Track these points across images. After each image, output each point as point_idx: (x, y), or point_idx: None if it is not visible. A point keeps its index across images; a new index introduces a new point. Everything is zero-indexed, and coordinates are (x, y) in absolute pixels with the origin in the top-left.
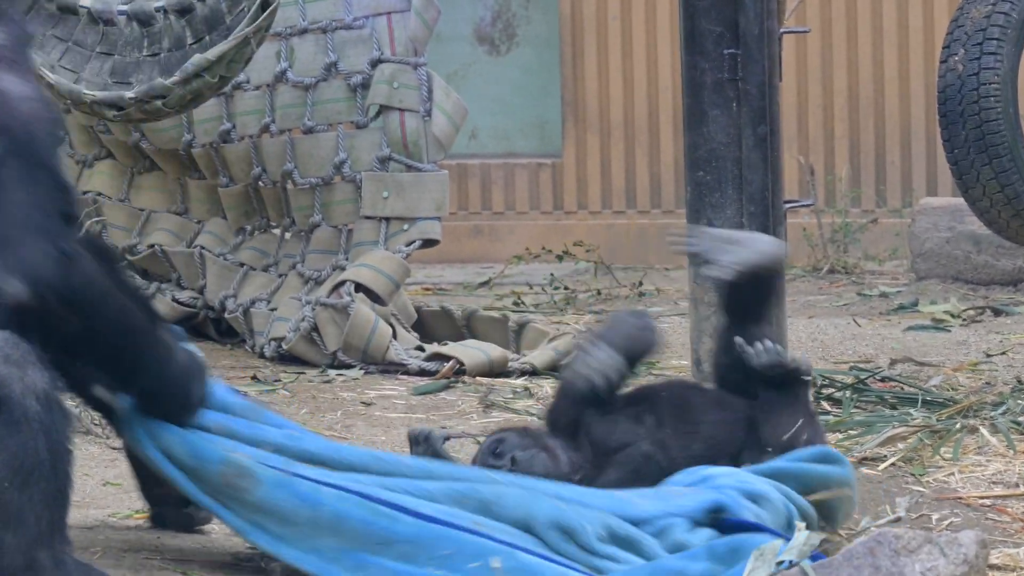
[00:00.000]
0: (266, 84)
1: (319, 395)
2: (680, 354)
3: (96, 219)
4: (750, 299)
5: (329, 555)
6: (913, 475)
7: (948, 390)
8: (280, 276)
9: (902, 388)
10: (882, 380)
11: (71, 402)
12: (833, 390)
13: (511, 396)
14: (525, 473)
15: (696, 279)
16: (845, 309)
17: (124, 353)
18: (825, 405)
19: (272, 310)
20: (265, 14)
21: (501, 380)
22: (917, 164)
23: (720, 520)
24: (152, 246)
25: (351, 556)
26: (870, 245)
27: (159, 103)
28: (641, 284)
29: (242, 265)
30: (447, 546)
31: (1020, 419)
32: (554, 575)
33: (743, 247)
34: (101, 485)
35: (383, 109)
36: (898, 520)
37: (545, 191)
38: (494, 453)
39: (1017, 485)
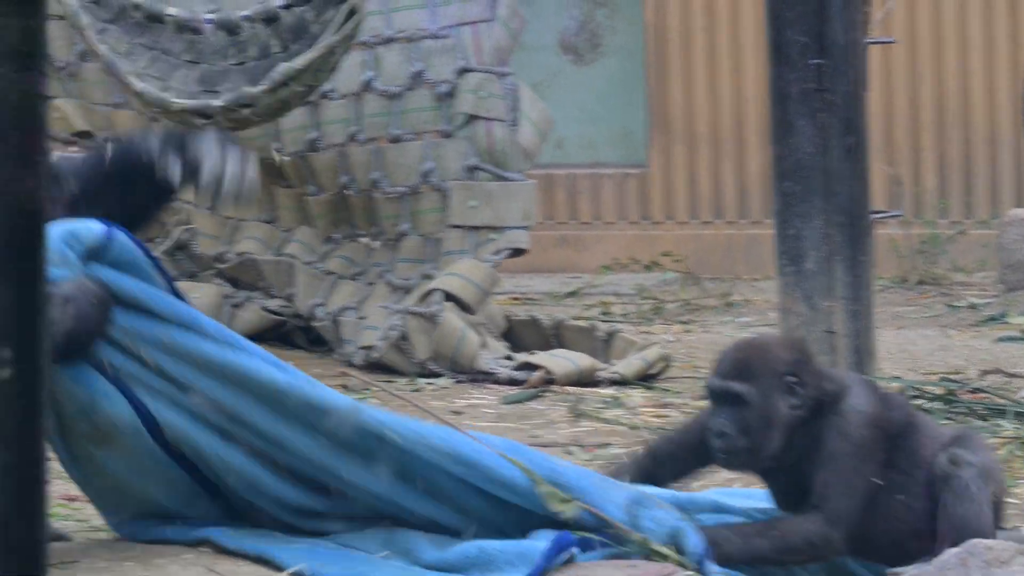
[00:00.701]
0: (352, 93)
1: (408, 404)
2: None
3: (185, 227)
4: None
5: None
6: None
7: None
8: (369, 285)
9: (992, 399)
10: (972, 391)
11: None
12: (923, 401)
13: (600, 406)
14: None
15: (785, 289)
16: (934, 320)
17: None
18: None
19: (361, 319)
20: (351, 23)
21: (590, 389)
22: (1005, 175)
23: None
24: (241, 255)
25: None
26: (958, 256)
27: (247, 111)
28: (729, 294)
29: (331, 274)
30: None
31: None
32: None
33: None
34: None
35: (469, 118)
36: None
37: (632, 201)
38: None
39: None
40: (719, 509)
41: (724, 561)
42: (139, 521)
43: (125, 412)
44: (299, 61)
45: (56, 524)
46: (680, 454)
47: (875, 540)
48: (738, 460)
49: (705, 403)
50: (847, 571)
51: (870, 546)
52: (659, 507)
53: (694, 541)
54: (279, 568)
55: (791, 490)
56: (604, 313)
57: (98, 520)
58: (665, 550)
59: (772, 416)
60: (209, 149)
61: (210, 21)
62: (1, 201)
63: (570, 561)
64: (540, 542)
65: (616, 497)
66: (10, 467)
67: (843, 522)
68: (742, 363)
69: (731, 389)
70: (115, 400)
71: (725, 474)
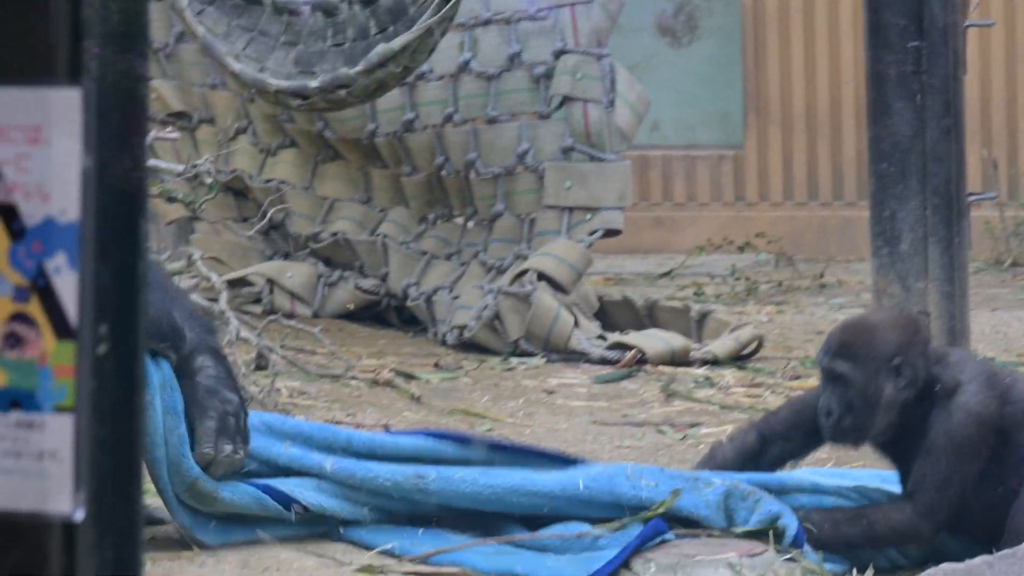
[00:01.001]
0: (449, 74)
1: (501, 382)
2: None
3: (280, 207)
4: None
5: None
6: None
7: None
8: (462, 265)
9: None
10: None
11: None
12: None
13: (693, 386)
14: None
15: (879, 270)
16: None
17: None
18: None
19: (454, 298)
20: (449, 5)
21: (683, 369)
22: None
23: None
24: (335, 234)
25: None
26: None
27: (343, 92)
28: (823, 275)
29: (424, 253)
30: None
31: None
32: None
33: None
34: None
35: (566, 100)
36: None
37: (726, 182)
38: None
39: None
40: (814, 490)
41: (815, 545)
42: (221, 526)
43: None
44: (397, 42)
45: (150, 503)
46: (790, 433)
47: (974, 527)
48: (845, 438)
49: (799, 383)
50: (943, 553)
51: (966, 530)
52: (751, 495)
53: (791, 525)
54: (370, 547)
55: (904, 467)
56: (697, 294)
57: None
58: (762, 532)
59: (877, 397)
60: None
61: (308, 3)
62: (100, 182)
63: (663, 543)
64: (635, 528)
65: (709, 496)
66: (107, 443)
67: (934, 516)
68: (849, 342)
69: (836, 369)
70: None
71: (825, 453)
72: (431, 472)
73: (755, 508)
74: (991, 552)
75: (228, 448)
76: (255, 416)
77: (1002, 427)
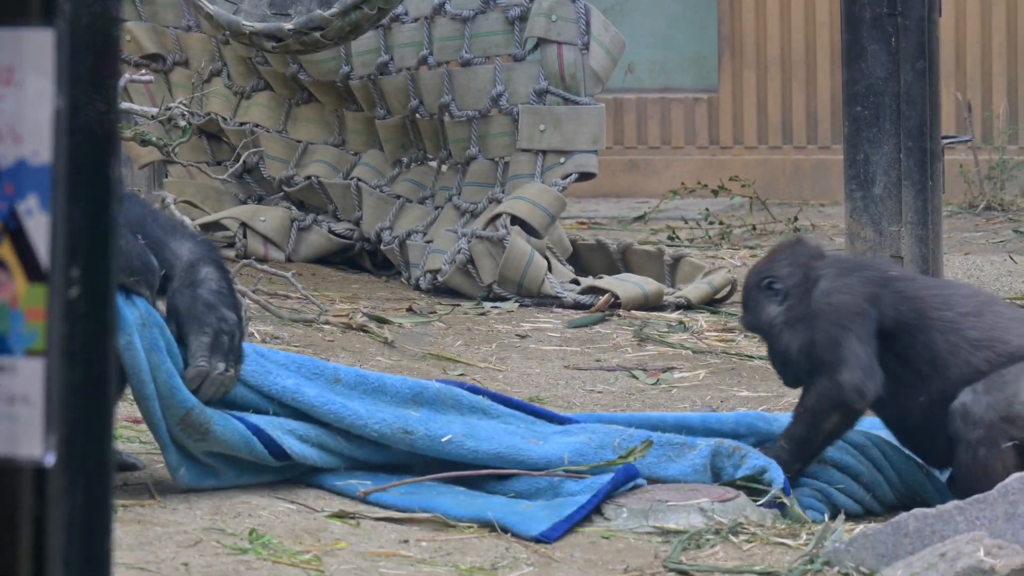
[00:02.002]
0: (424, 16)
1: (474, 327)
2: None
3: (253, 151)
4: None
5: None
6: None
7: None
8: (436, 208)
9: None
10: None
11: None
12: None
13: (666, 330)
14: None
15: (852, 214)
16: (1001, 246)
17: None
18: None
19: (428, 242)
20: None
21: (656, 314)
22: None
23: None
24: (309, 178)
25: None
26: None
27: (317, 35)
28: (796, 219)
29: (398, 197)
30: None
31: None
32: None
33: None
34: None
35: (541, 42)
36: None
37: (701, 126)
38: None
39: None
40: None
41: (790, 472)
42: (201, 469)
43: (237, 431)
44: None
45: (123, 448)
46: None
47: (918, 441)
48: (795, 381)
49: None
50: (921, 481)
51: (918, 446)
52: (736, 452)
53: (777, 478)
54: (341, 493)
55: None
56: (671, 238)
57: None
58: (754, 484)
59: (772, 325)
60: (200, 346)
61: None
62: (73, 123)
63: (635, 489)
64: (607, 475)
65: (696, 460)
66: (78, 387)
67: (842, 367)
68: (742, 297)
69: (745, 327)
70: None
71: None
72: (419, 428)
73: (741, 463)
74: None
75: (221, 366)
76: (247, 346)
77: (885, 313)
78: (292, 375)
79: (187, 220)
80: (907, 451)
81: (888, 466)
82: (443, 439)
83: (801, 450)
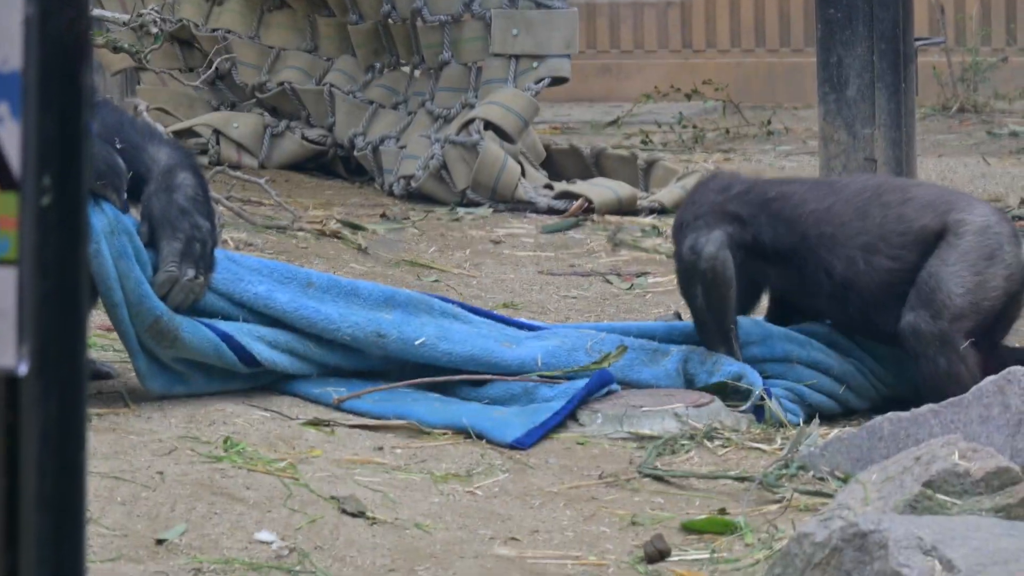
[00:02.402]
0: None
1: (448, 233)
2: None
3: (226, 57)
4: None
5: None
6: None
7: None
8: (409, 114)
9: None
10: (1013, 219)
11: None
12: None
13: (639, 235)
14: None
15: (826, 117)
16: (974, 148)
17: None
18: None
19: (401, 148)
20: None
21: (630, 218)
22: None
23: None
24: (282, 84)
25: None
26: (1000, 84)
27: None
28: (770, 123)
29: (371, 103)
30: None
31: None
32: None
33: None
34: None
35: None
36: None
37: (674, 30)
38: None
39: None
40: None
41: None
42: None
43: (206, 338)
44: None
45: (96, 356)
46: None
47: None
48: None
49: None
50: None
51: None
52: (709, 359)
53: (756, 382)
54: (315, 400)
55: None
56: (644, 142)
57: None
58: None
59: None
60: (172, 250)
61: None
62: (42, 32)
63: (609, 394)
64: (581, 381)
65: (668, 365)
66: (50, 297)
67: (688, 230)
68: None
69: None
70: (197, 329)
71: None
72: (392, 332)
73: (715, 370)
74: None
75: (191, 272)
76: (218, 252)
77: (761, 236)
78: (264, 280)
79: (160, 127)
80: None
81: (863, 353)
82: (416, 342)
83: (703, 332)
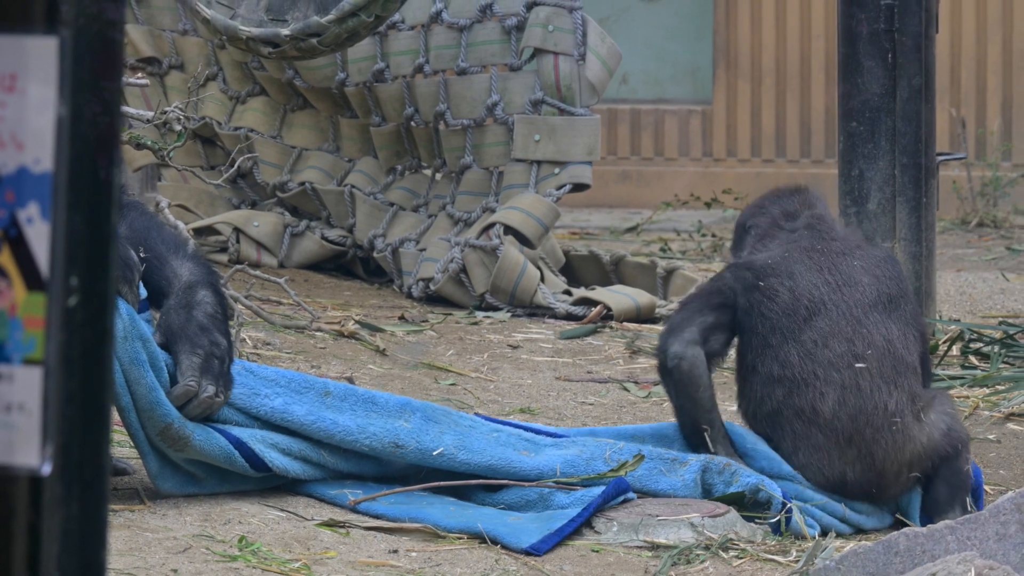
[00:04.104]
0: (421, 24)
1: (466, 336)
2: None
3: (248, 156)
4: None
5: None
6: None
7: None
8: (430, 217)
9: None
10: None
11: None
12: (981, 345)
13: (658, 343)
14: None
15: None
16: (994, 263)
17: None
18: (973, 360)
19: (421, 250)
20: None
21: (648, 326)
22: None
23: None
24: (303, 184)
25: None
26: (1020, 199)
27: (314, 41)
28: None
29: (392, 205)
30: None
31: None
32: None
33: None
34: None
35: (537, 52)
36: None
37: (695, 138)
38: None
39: None
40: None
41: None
42: (185, 477)
43: (218, 445)
44: None
45: (112, 452)
46: None
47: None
48: None
49: None
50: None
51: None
52: (727, 468)
53: (776, 492)
54: (331, 502)
55: None
56: (664, 249)
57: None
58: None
59: None
60: (191, 368)
61: None
62: (74, 131)
63: (625, 502)
64: (598, 488)
65: (686, 475)
66: (75, 396)
67: (673, 333)
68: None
69: None
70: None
71: None
72: (410, 442)
73: (732, 481)
74: None
75: (211, 389)
76: (235, 362)
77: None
78: (281, 393)
79: (180, 224)
80: None
81: None
82: (435, 452)
83: (683, 430)
